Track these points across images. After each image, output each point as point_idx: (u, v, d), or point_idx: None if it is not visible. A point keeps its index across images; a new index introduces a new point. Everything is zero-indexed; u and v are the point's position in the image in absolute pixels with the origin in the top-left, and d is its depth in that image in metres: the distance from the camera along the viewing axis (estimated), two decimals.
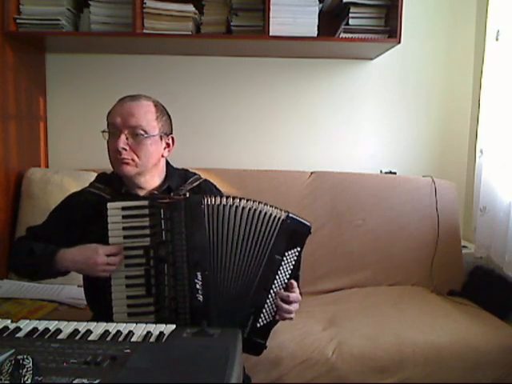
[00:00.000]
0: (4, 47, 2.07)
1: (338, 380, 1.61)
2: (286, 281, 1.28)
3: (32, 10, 2.09)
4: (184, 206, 1.24)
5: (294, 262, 1.28)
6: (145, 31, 2.08)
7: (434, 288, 2.15)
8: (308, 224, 1.29)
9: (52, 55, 2.42)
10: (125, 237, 1.24)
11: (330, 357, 1.63)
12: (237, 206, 1.25)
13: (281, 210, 1.27)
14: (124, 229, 1.24)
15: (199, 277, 1.22)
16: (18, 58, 2.17)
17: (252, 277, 1.26)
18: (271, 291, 1.27)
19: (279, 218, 1.26)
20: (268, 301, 1.27)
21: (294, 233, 1.27)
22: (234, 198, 1.26)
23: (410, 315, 1.86)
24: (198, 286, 1.22)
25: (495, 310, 1.94)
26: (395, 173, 2.44)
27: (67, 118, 2.45)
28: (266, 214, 1.26)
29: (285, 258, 1.27)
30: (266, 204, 1.27)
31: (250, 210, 1.26)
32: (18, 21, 2.08)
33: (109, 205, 1.24)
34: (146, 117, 1.32)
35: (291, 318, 1.30)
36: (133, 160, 1.31)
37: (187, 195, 1.32)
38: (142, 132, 1.31)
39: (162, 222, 1.23)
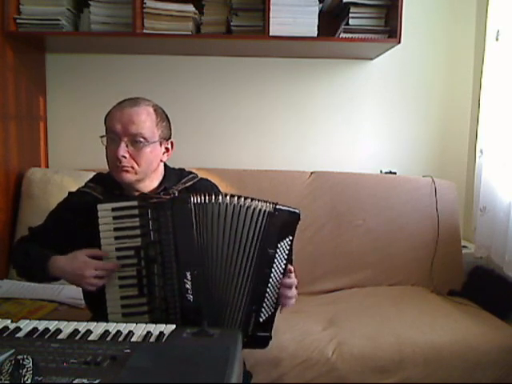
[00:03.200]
0: (4, 47, 2.07)
1: (338, 380, 1.61)
2: (282, 270, 1.27)
3: (32, 10, 2.09)
4: (171, 206, 1.22)
5: (287, 252, 1.26)
6: (145, 31, 2.08)
7: (434, 288, 2.15)
8: (297, 211, 1.25)
9: (52, 55, 2.42)
10: (116, 238, 1.23)
11: (330, 357, 1.63)
12: (220, 204, 1.23)
13: (268, 202, 1.24)
14: (115, 230, 1.23)
15: (188, 276, 1.21)
16: (18, 58, 2.17)
17: (245, 274, 1.24)
18: (269, 285, 1.25)
19: (265, 211, 1.23)
20: (267, 294, 1.26)
21: (284, 223, 1.24)
22: (220, 195, 1.24)
23: (410, 315, 1.86)
24: (187, 286, 1.21)
25: (495, 310, 1.94)
26: (395, 173, 2.44)
27: (67, 118, 2.45)
28: (252, 208, 1.23)
29: (278, 250, 1.24)
30: (253, 199, 1.24)
31: (235, 206, 1.23)
32: (18, 21, 2.08)
33: (99, 206, 1.23)
34: (146, 123, 1.30)
35: (292, 304, 1.30)
36: (132, 167, 1.30)
37: (176, 194, 1.31)
38: (142, 139, 1.29)
39: (150, 222, 1.22)
